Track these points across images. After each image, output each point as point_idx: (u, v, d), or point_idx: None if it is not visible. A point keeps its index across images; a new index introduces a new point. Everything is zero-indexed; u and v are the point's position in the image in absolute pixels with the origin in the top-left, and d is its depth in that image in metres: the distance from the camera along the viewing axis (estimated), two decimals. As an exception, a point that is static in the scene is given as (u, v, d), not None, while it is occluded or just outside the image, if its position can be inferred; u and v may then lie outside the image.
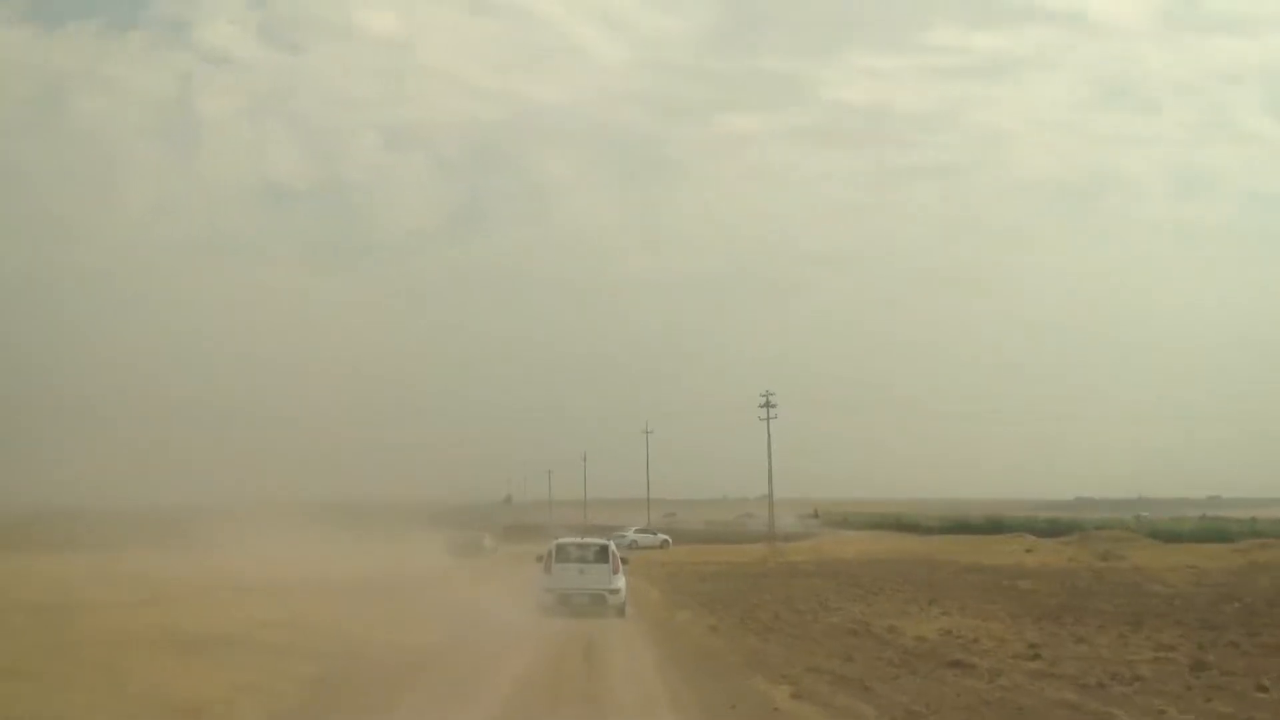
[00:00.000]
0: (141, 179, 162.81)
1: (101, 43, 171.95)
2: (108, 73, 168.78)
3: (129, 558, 34.40)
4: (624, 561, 25.34)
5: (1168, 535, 58.41)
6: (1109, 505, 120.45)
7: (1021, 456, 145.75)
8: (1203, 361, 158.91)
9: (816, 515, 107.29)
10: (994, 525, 69.16)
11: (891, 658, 16.17)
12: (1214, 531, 60.08)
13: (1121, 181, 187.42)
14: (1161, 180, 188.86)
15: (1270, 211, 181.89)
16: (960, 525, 73.05)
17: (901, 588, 32.13)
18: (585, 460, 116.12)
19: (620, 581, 24.33)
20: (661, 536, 76.82)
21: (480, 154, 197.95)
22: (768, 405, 69.39)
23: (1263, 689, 12.69)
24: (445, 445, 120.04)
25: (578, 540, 27.83)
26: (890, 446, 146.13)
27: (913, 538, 70.26)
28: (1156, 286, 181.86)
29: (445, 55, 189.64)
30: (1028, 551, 54.46)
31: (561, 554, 24.75)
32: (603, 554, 24.77)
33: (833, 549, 61.47)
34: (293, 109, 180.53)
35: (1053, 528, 66.23)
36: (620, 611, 23.89)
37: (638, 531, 78.02)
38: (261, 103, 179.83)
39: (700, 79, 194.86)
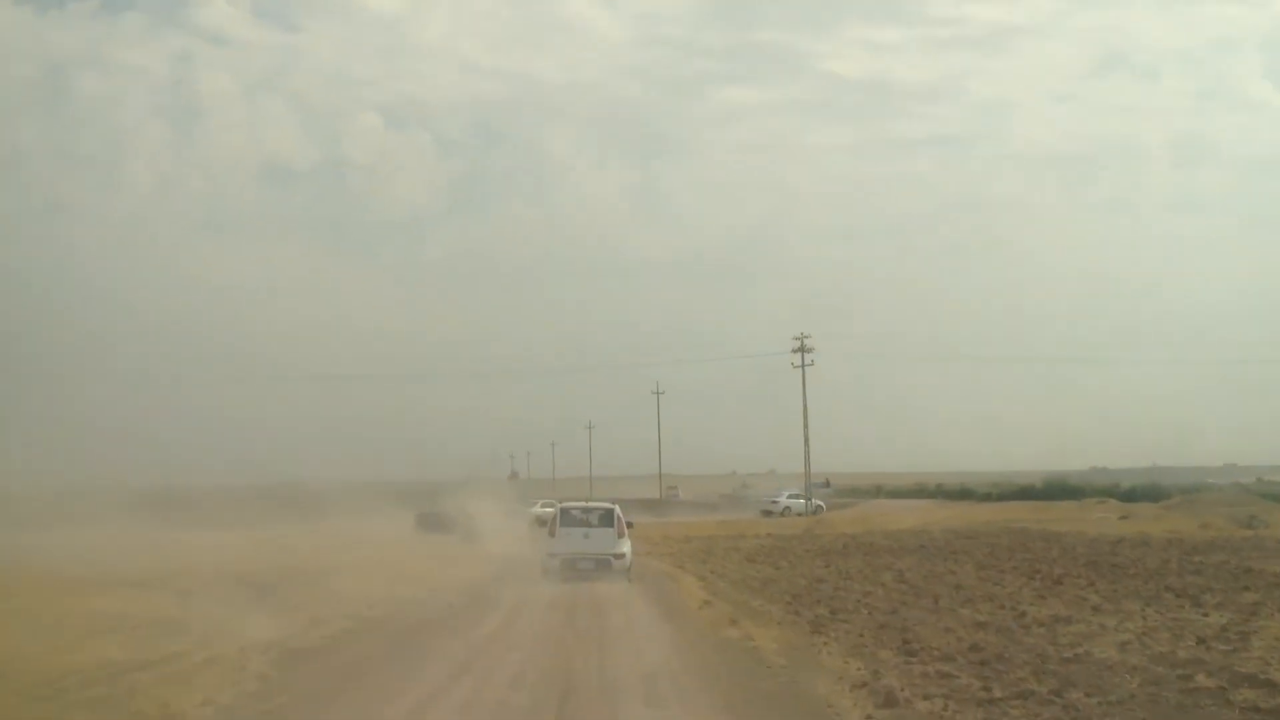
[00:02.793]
0: (140, 159, 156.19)
1: (99, 23, 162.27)
2: (105, 53, 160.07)
3: (60, 540, 28.22)
4: (629, 525, 24.49)
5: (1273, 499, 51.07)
6: (1126, 475, 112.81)
7: (1030, 428, 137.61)
8: (1210, 329, 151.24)
9: (828, 484, 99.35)
10: (1059, 491, 60.94)
11: None
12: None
13: (1122, 150, 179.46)
14: (1162, 148, 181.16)
15: (1271, 178, 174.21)
16: (1020, 492, 64.70)
17: (1069, 569, 23.31)
18: (591, 430, 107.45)
19: (625, 546, 23.58)
20: (817, 502, 64.67)
21: (480, 131, 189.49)
22: (802, 350, 59.95)
23: None
24: (448, 423, 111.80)
25: (582, 504, 26.69)
26: (897, 419, 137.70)
27: (971, 505, 61.82)
28: (1160, 255, 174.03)
29: (444, 32, 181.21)
30: (1122, 519, 47.06)
31: (566, 518, 24.14)
32: (607, 518, 24.00)
33: (883, 519, 52.69)
34: (291, 88, 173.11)
35: (1128, 493, 58.62)
36: (625, 576, 22.88)
37: (790, 496, 66.47)
38: (260, 82, 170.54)
39: (697, 52, 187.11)
